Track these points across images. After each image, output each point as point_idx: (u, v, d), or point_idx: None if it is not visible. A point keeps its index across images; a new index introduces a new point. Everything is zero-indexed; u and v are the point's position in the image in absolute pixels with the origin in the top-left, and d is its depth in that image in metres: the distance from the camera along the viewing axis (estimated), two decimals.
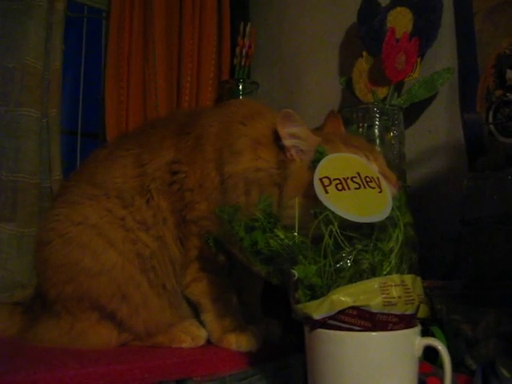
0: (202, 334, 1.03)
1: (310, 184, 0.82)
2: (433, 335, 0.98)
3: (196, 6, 1.70)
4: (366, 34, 1.52)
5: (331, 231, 0.79)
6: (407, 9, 1.48)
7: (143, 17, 1.65)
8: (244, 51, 1.65)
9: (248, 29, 1.67)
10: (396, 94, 1.42)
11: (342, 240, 0.79)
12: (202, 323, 1.06)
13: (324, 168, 0.85)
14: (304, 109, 1.73)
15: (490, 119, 1.39)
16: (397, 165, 1.36)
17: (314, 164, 0.86)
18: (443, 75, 1.40)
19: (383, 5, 1.54)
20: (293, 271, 0.78)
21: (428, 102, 1.46)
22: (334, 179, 0.83)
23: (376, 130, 1.35)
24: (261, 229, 0.83)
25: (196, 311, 1.08)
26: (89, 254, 1.00)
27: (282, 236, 0.82)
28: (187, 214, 1.03)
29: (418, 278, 0.84)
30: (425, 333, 0.84)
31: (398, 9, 1.49)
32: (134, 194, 1.04)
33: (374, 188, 0.86)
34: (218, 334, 1.03)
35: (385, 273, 0.80)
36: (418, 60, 1.42)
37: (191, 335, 1.03)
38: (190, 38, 1.67)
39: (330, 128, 1.09)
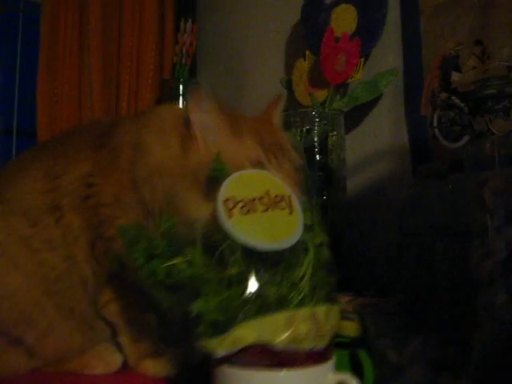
0: (116, 360, 0.97)
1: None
2: (360, 360, 0.93)
3: (136, 0, 1.62)
4: (309, 32, 1.46)
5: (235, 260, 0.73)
6: (352, 6, 1.42)
7: (79, 10, 1.56)
8: (184, 49, 1.57)
9: (188, 25, 1.59)
10: (338, 97, 1.36)
11: (246, 270, 0.73)
12: (118, 346, 0.99)
13: (229, 188, 0.78)
14: (249, 108, 1.67)
15: (435, 123, 1.34)
16: (337, 171, 1.31)
17: (210, 182, 0.80)
18: (386, 77, 1.35)
19: (328, 1, 1.47)
20: (192, 306, 0.73)
21: (372, 103, 1.41)
22: (239, 201, 0.77)
23: (315, 135, 1.30)
24: (161, 257, 0.76)
25: (114, 333, 1.02)
26: None
27: (184, 266, 0.75)
28: (106, 231, 0.96)
29: (335, 308, 0.78)
30: (353, 356, 0.80)
31: (343, 6, 1.43)
32: (43, 212, 0.97)
33: (283, 209, 0.79)
34: (134, 359, 0.96)
35: (295, 303, 0.75)
36: (361, 60, 1.36)
37: (104, 361, 0.96)
38: (129, 34, 1.59)
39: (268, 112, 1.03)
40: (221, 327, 0.72)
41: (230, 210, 0.76)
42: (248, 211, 0.77)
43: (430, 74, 1.34)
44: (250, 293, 0.72)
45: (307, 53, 1.45)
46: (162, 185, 0.91)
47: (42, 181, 0.99)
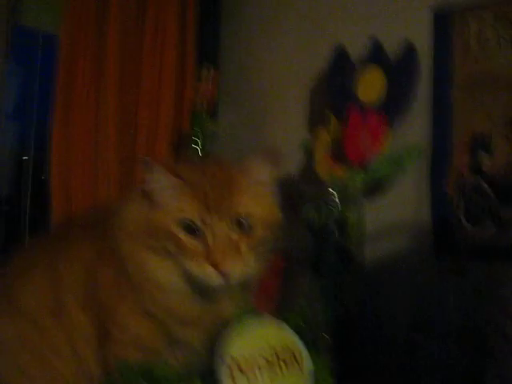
0: None
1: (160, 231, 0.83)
2: None
3: (157, 47, 1.56)
4: (334, 94, 1.40)
5: None
6: (380, 69, 1.34)
7: (96, 56, 1.51)
8: (204, 99, 1.52)
9: (209, 73, 1.53)
10: (359, 171, 1.30)
11: None
12: None
13: (232, 344, 0.76)
14: None
15: (459, 204, 1.28)
16: (354, 251, 1.28)
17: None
18: (412, 154, 1.28)
19: (354, 60, 1.40)
20: None
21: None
22: (242, 359, 0.75)
23: (333, 213, 1.26)
24: None
25: None
26: None
27: None
28: (108, 318, 0.95)
29: None
30: None
31: (371, 69, 1.36)
32: (48, 314, 0.96)
33: (290, 365, 0.77)
34: None
35: None
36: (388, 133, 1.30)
37: None
38: (148, 81, 1.54)
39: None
40: None
41: (232, 369, 0.74)
42: (251, 372, 0.75)
43: (458, 152, 1.28)
44: None
45: (331, 115, 1.39)
46: (129, 245, 0.90)
47: (45, 278, 0.99)
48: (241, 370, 0.74)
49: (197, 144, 1.52)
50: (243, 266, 0.84)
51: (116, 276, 0.93)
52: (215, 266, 0.82)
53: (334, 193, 1.25)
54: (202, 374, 0.83)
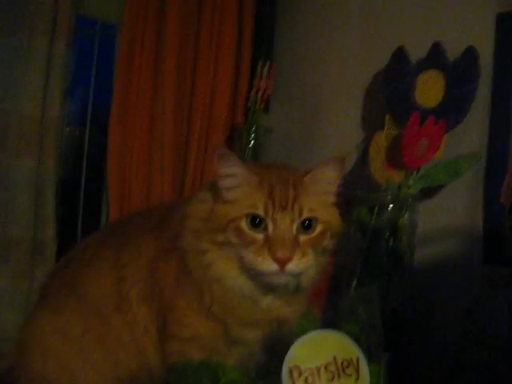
0: None
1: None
2: None
3: (213, 40, 1.57)
4: (392, 96, 1.39)
5: None
6: (440, 72, 1.33)
7: (154, 49, 1.53)
8: (259, 94, 1.53)
9: (266, 69, 1.54)
10: (414, 175, 1.30)
11: None
12: None
13: (296, 353, 0.78)
14: (320, 152, 1.63)
15: None
16: (406, 255, 1.28)
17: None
18: (469, 161, 1.28)
19: (414, 62, 1.39)
20: None
21: None
22: (305, 369, 0.77)
23: (387, 217, 1.27)
24: None
25: None
26: (67, 376, 0.97)
27: None
28: (167, 313, 0.98)
29: None
30: None
31: (430, 72, 1.35)
32: (112, 309, 1.00)
33: (350, 375, 0.79)
34: None
35: None
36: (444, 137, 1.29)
37: None
38: (204, 75, 1.55)
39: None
40: None
41: (295, 379, 0.76)
42: (313, 381, 0.77)
43: None
44: None
45: (387, 117, 1.39)
46: (193, 242, 0.92)
47: (110, 272, 1.02)
48: (304, 379, 0.76)
49: (250, 139, 1.53)
50: (301, 259, 0.86)
51: (178, 273, 0.96)
52: (279, 261, 0.84)
53: (388, 197, 1.25)
54: (261, 375, 0.85)
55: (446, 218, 1.37)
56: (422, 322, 1.31)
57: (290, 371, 0.77)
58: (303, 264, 0.86)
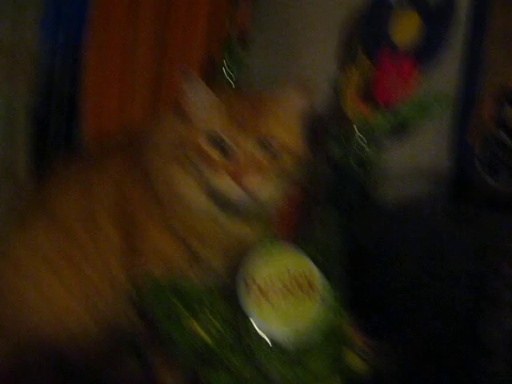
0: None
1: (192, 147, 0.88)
2: None
3: None
4: (367, 33, 1.39)
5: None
6: (416, 14, 1.34)
7: None
8: (237, 27, 1.52)
9: (243, 2, 1.52)
10: (384, 113, 1.32)
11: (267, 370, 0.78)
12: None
13: (252, 265, 0.82)
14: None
15: (478, 154, 1.31)
16: (371, 189, 1.32)
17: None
18: (439, 102, 1.29)
19: (392, 1, 1.39)
20: (205, 374, 0.79)
21: None
22: (260, 280, 0.81)
23: (354, 150, 1.29)
24: (179, 318, 0.82)
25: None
26: (38, 291, 1.01)
27: (201, 333, 0.81)
28: (133, 230, 1.01)
29: None
30: None
31: (407, 11, 1.35)
32: (80, 226, 1.02)
33: (303, 288, 0.84)
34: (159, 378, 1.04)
35: None
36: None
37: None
38: (182, 7, 1.53)
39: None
40: None
41: (250, 288, 0.80)
42: (268, 293, 0.81)
43: (484, 103, 1.29)
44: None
45: (361, 53, 1.39)
46: (158, 160, 0.96)
47: (78, 190, 1.04)
48: (261, 292, 0.80)
49: (227, 73, 1.53)
50: (264, 183, 0.89)
51: (145, 192, 0.99)
52: (237, 179, 0.87)
53: (359, 132, 1.28)
54: (223, 294, 0.89)
55: (413, 156, 1.40)
56: (386, 256, 1.35)
57: (245, 281, 0.81)
58: (261, 185, 0.89)
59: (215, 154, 0.90)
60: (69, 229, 1.03)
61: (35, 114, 1.49)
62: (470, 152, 1.32)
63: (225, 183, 0.88)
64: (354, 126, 1.29)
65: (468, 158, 1.32)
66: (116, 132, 1.43)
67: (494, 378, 0.95)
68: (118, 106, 1.51)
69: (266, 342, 0.78)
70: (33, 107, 1.47)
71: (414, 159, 1.40)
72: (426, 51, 1.31)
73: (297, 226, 1.22)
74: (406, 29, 1.35)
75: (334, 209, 1.29)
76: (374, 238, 1.32)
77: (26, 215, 1.07)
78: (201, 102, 0.92)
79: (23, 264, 1.02)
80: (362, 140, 1.28)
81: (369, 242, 1.31)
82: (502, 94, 1.27)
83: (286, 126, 0.95)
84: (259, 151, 0.90)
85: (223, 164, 0.89)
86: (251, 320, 0.78)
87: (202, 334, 0.80)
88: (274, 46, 1.72)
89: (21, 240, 1.04)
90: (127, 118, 1.51)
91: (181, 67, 0.93)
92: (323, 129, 1.32)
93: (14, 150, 1.40)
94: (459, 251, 1.20)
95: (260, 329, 0.78)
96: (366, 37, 1.40)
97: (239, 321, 0.79)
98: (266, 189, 0.90)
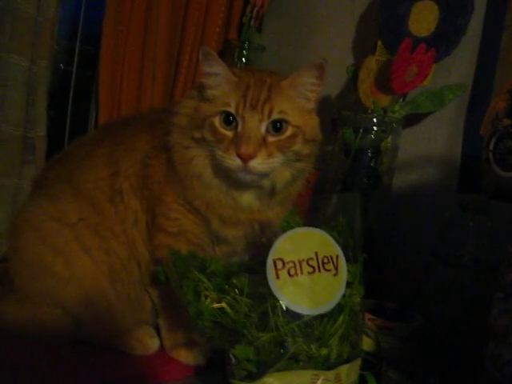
0: (153, 344, 1.07)
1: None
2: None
3: None
4: (385, 22, 1.41)
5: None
6: (434, 4, 1.35)
7: None
8: (255, 10, 1.53)
9: None
10: (400, 101, 1.34)
11: (285, 332, 0.80)
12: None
13: (280, 247, 0.84)
14: None
15: (491, 146, 1.33)
16: (385, 178, 1.34)
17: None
18: (454, 91, 1.32)
19: None
20: (231, 348, 0.81)
21: None
22: (288, 261, 0.83)
23: (370, 139, 1.31)
24: (209, 299, 0.84)
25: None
26: (61, 261, 1.01)
27: (229, 311, 0.83)
28: (156, 207, 1.03)
29: (356, 363, 0.86)
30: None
31: (425, 2, 1.37)
32: (105, 200, 1.04)
33: (329, 270, 0.85)
34: (169, 345, 1.07)
35: (322, 362, 0.83)
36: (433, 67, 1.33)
37: (143, 344, 1.07)
38: None
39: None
40: (252, 376, 0.81)
41: (279, 270, 0.82)
42: (295, 273, 0.83)
43: (499, 96, 1.31)
44: (285, 351, 0.81)
45: (379, 43, 1.41)
46: (178, 138, 0.97)
47: (104, 167, 1.05)
48: (289, 274, 0.82)
49: (242, 55, 1.54)
50: (265, 159, 0.90)
51: (166, 168, 1.01)
52: (238, 150, 0.89)
53: (374, 120, 1.30)
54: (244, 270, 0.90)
55: (426, 145, 1.43)
56: (396, 241, 1.39)
57: (274, 262, 0.83)
58: (267, 164, 0.91)
59: (223, 130, 0.92)
60: (95, 203, 1.04)
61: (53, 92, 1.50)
62: (481, 144, 1.34)
63: (232, 160, 0.89)
64: (371, 115, 1.31)
65: (478, 149, 1.35)
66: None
67: (506, 365, 0.98)
68: (134, 90, 1.52)
69: (294, 321, 0.80)
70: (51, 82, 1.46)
71: (427, 148, 1.43)
72: (443, 42, 1.33)
73: (315, 210, 1.24)
74: (423, 19, 1.36)
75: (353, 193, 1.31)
76: (384, 225, 1.35)
77: (52, 187, 1.08)
78: (219, 80, 0.94)
79: (49, 234, 1.02)
80: (378, 128, 1.29)
81: (380, 228, 1.34)
82: None
83: (298, 106, 0.95)
84: (269, 131, 0.92)
85: (232, 142, 0.90)
86: (280, 301, 0.80)
87: (229, 311, 0.82)
88: (290, 33, 1.73)
89: (46, 211, 1.04)
90: (143, 103, 1.52)
91: (202, 48, 0.93)
92: (341, 118, 1.33)
93: (33, 124, 1.39)
94: (470, 239, 1.23)
95: (288, 309, 0.80)
96: (384, 26, 1.41)
97: (268, 301, 0.81)
98: (272, 169, 0.91)
